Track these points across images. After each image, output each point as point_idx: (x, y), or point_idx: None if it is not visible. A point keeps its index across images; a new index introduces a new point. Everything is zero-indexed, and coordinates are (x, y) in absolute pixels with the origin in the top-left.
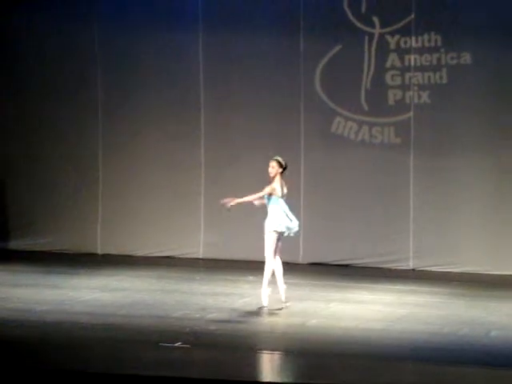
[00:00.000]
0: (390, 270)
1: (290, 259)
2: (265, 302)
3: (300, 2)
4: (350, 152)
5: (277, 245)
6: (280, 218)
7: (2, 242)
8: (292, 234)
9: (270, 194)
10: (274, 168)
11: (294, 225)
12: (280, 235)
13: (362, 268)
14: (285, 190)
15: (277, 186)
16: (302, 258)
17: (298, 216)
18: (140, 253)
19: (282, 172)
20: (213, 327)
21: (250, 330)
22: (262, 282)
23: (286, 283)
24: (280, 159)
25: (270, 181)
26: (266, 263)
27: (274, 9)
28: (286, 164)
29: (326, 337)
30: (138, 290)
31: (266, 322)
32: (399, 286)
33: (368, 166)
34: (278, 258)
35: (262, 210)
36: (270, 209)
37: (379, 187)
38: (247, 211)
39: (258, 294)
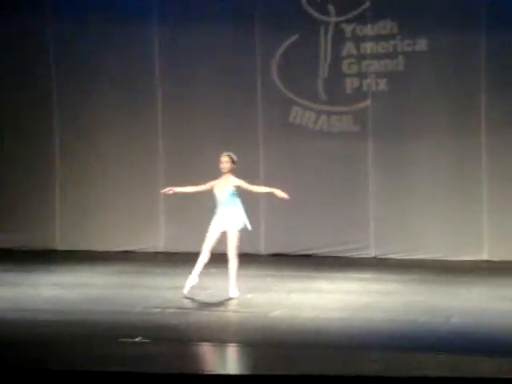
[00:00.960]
0: (351, 258)
1: (251, 250)
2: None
3: None
4: (308, 141)
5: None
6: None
7: None
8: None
9: (231, 190)
10: (228, 163)
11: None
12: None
13: (323, 257)
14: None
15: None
16: (263, 249)
17: (258, 207)
18: (100, 248)
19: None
20: (174, 321)
21: (212, 323)
22: (225, 274)
23: (235, 276)
24: (232, 154)
25: (224, 175)
26: (235, 260)
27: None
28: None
29: (288, 327)
30: (98, 285)
31: (228, 314)
32: (360, 275)
33: (327, 155)
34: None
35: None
36: (236, 204)
37: (339, 175)
38: (206, 203)
39: (221, 286)
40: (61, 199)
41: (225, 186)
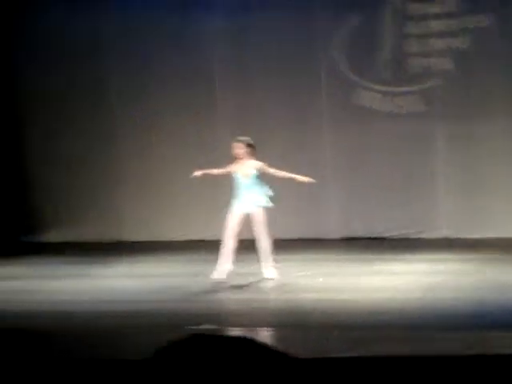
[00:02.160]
0: (422, 239)
1: (321, 235)
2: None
3: None
4: (374, 123)
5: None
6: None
7: (33, 235)
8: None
9: (254, 173)
10: (242, 149)
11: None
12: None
13: (394, 240)
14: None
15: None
16: (333, 232)
17: (326, 190)
18: (167, 238)
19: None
20: (244, 307)
21: (279, 308)
22: (293, 260)
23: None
24: (247, 139)
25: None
26: (268, 239)
27: None
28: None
29: (357, 310)
30: (166, 275)
31: (296, 298)
32: (432, 255)
33: (394, 136)
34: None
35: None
36: (258, 185)
37: (407, 157)
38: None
39: (285, 272)
40: (128, 191)
41: (247, 170)
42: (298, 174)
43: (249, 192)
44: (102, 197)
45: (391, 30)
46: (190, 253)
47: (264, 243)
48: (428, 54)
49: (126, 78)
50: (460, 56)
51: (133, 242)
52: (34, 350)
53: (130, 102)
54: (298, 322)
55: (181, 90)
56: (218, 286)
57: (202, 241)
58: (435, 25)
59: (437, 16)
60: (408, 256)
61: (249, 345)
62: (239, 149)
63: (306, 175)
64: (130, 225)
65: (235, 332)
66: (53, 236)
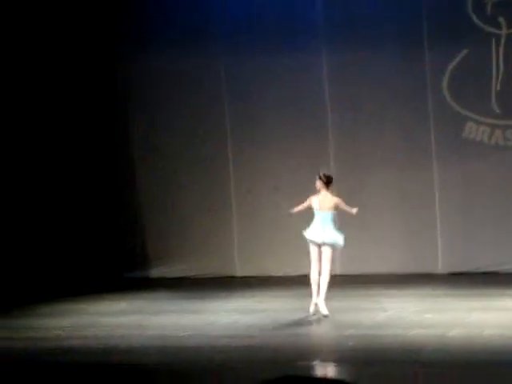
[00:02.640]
0: None
1: (428, 269)
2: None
3: (422, 9)
4: (483, 156)
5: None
6: (311, 229)
7: (142, 270)
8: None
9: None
10: (319, 182)
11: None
12: (317, 246)
13: (504, 275)
14: (326, 204)
15: (314, 199)
16: (441, 267)
17: (434, 224)
18: (278, 273)
19: (326, 186)
20: (352, 343)
21: (389, 344)
22: (398, 295)
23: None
24: (320, 173)
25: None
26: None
27: (397, 19)
28: (325, 177)
29: (468, 347)
30: (277, 310)
31: (406, 334)
32: None
33: (503, 170)
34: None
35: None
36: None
37: None
38: (378, 226)
39: (401, 307)
40: (238, 226)
41: (326, 204)
42: (405, 207)
43: (324, 226)
44: (205, 233)
45: (501, 64)
46: (302, 287)
47: (324, 279)
48: None
49: (240, 115)
50: None
51: (244, 277)
52: None
53: (245, 131)
54: (406, 358)
55: (293, 126)
56: (326, 322)
57: None
58: None
59: None
60: None
61: None
62: (317, 182)
63: (415, 210)
64: (242, 259)
65: (342, 367)
66: (155, 272)
